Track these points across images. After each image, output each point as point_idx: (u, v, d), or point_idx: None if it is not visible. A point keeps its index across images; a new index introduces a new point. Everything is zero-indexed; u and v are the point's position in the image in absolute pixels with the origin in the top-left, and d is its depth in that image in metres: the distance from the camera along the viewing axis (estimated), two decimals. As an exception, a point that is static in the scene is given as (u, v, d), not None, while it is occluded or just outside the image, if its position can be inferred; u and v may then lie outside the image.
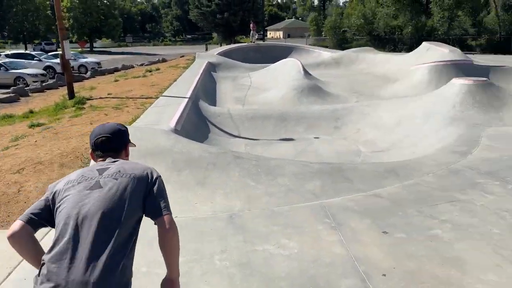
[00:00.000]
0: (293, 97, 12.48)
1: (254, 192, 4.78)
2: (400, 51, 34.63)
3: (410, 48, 34.58)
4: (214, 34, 68.87)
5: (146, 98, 11.06)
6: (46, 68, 22.86)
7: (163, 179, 1.77)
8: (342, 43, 42.87)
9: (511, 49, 31.67)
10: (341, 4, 78.61)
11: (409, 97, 11.00)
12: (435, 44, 18.89)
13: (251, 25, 32.32)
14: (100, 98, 11.77)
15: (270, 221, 4.11)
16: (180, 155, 5.62)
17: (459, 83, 9.41)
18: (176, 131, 7.04)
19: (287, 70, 16.09)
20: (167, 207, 1.68)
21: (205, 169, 5.31)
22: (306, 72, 15.43)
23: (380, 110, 10.05)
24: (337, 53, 24.83)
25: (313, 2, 72.03)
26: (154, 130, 6.69)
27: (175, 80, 14.68)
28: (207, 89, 14.22)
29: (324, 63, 22.98)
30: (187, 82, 13.47)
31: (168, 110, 8.75)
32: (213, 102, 12.65)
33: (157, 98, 10.80)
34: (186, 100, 9.95)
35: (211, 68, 19.28)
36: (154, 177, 1.73)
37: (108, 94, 12.43)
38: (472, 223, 3.94)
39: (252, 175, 5.21)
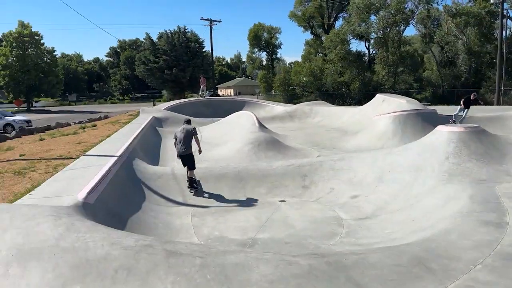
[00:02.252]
0: (250, 151, 10.91)
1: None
2: (349, 105, 33.24)
3: (358, 102, 34.00)
4: (164, 92, 62.37)
5: (64, 158, 9.03)
6: (5, 125, 23.18)
7: None
8: (292, 99, 40.33)
9: (455, 101, 31.14)
10: (287, 64, 73.93)
11: (387, 149, 9.30)
12: (389, 95, 17.92)
13: (201, 79, 28.59)
14: (8, 160, 8.97)
15: None
16: (70, 256, 3.31)
17: (447, 131, 7.82)
18: (86, 205, 5.04)
19: (241, 123, 14.15)
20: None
21: (111, 281, 3.00)
22: (261, 125, 13.66)
23: (354, 164, 8.40)
24: (291, 107, 22.85)
25: (262, 61, 64.89)
26: (36, 211, 4.18)
27: (108, 137, 11.70)
28: (148, 145, 11.66)
29: (278, 117, 21.05)
30: (123, 138, 10.72)
31: (85, 174, 6.81)
32: (155, 161, 10.50)
33: (77, 158, 8.71)
34: (114, 159, 7.95)
35: (156, 123, 16.78)
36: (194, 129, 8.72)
37: (21, 155, 9.69)
38: None
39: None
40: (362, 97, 36.72)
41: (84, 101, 72.53)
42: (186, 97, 58.15)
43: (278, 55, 67.79)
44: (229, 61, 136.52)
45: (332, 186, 7.97)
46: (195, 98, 29.61)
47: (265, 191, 8.00)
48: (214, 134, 15.20)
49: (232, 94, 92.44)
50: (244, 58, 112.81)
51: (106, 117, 27.21)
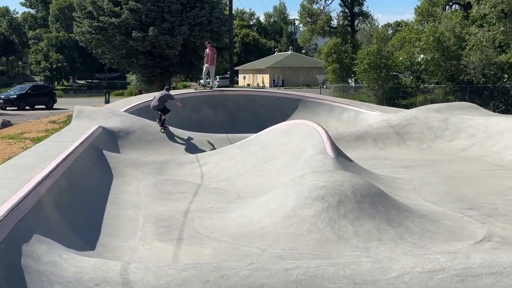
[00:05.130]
0: (317, 217, 10.30)
1: None
2: None
3: None
4: (131, 78, 68.18)
5: None
6: None
7: None
8: (393, 97, 42.13)
9: None
10: (380, 27, 79.52)
11: None
12: None
13: (207, 51, 28.80)
14: None
15: None
16: None
17: None
18: None
19: (292, 147, 14.75)
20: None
21: None
22: (339, 153, 14.05)
23: None
24: (397, 115, 23.91)
25: (330, 20, 66.72)
26: None
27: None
28: (78, 197, 11.72)
29: (370, 135, 22.00)
30: (15, 181, 10.38)
31: None
32: (92, 234, 9.99)
33: None
34: None
35: (105, 141, 17.69)
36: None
37: None
38: None
39: None
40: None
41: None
42: (175, 88, 59.36)
43: (364, 8, 68.71)
44: (262, 19, 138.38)
45: None
46: (192, 90, 30.82)
47: None
48: (230, 171, 15.39)
49: (268, 84, 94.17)
50: (293, 14, 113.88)
51: (6, 125, 28.56)
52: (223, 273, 7.36)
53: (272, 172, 14.24)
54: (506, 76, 41.02)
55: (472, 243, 9.57)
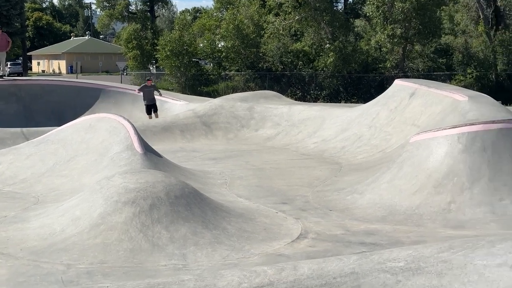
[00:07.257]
0: (128, 224, 9.62)
1: None
2: (316, 99, 34.60)
3: (335, 96, 35.42)
4: None
5: None
6: None
7: None
8: (196, 84, 42.33)
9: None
10: (178, 14, 78.19)
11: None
12: (421, 83, 18.68)
13: None
14: None
15: None
16: None
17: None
18: None
19: (97, 144, 14.54)
20: None
21: None
22: (149, 151, 14.10)
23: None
24: (203, 105, 24.16)
25: (128, 5, 64.71)
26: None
27: None
28: None
29: (177, 126, 22.16)
30: None
31: None
32: None
33: None
34: None
35: None
36: None
37: None
38: None
39: None
40: (342, 85, 40.07)
41: None
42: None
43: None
44: (56, 2, 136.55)
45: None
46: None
47: None
48: (27, 172, 14.54)
49: (65, 70, 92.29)
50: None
51: None
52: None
53: (75, 172, 13.72)
54: (301, 63, 43.16)
55: (290, 242, 9.58)
